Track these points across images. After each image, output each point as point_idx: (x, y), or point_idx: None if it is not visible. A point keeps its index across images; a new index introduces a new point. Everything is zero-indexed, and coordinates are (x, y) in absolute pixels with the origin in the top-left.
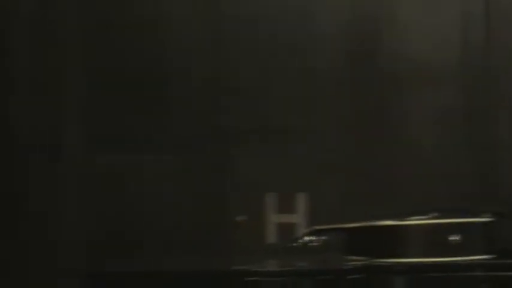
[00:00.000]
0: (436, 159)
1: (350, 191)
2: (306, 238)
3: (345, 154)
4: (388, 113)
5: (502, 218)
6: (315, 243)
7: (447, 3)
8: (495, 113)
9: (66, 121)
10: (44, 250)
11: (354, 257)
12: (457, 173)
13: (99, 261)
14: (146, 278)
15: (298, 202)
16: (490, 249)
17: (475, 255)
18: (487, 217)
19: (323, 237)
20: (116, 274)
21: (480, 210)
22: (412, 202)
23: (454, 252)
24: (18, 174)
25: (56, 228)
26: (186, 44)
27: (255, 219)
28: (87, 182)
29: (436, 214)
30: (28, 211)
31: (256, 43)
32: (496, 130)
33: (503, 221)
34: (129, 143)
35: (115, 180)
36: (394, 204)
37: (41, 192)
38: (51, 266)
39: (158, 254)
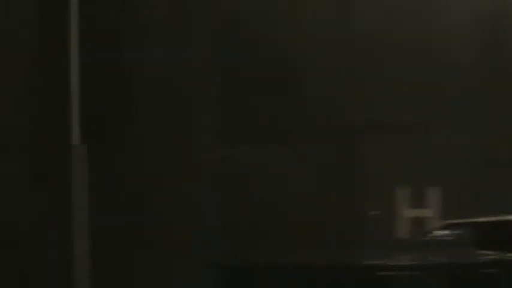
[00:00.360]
0: None
1: (482, 185)
2: (438, 232)
3: (476, 148)
4: None
5: None
6: (447, 238)
7: None
8: None
9: (198, 116)
10: (179, 243)
11: (486, 252)
12: None
13: (232, 254)
14: (275, 270)
15: (431, 196)
16: None
17: None
18: None
19: (455, 232)
20: (248, 266)
21: None
22: None
23: None
24: (151, 170)
25: (190, 221)
26: (324, 39)
27: (387, 213)
28: (220, 174)
29: None
30: (163, 205)
31: (392, 41)
32: None
33: None
34: (260, 136)
35: (246, 172)
36: None
37: (174, 186)
38: (186, 258)
39: (288, 247)
